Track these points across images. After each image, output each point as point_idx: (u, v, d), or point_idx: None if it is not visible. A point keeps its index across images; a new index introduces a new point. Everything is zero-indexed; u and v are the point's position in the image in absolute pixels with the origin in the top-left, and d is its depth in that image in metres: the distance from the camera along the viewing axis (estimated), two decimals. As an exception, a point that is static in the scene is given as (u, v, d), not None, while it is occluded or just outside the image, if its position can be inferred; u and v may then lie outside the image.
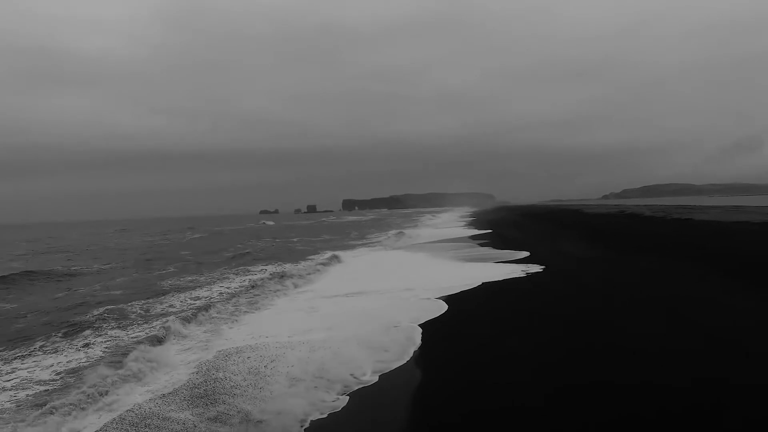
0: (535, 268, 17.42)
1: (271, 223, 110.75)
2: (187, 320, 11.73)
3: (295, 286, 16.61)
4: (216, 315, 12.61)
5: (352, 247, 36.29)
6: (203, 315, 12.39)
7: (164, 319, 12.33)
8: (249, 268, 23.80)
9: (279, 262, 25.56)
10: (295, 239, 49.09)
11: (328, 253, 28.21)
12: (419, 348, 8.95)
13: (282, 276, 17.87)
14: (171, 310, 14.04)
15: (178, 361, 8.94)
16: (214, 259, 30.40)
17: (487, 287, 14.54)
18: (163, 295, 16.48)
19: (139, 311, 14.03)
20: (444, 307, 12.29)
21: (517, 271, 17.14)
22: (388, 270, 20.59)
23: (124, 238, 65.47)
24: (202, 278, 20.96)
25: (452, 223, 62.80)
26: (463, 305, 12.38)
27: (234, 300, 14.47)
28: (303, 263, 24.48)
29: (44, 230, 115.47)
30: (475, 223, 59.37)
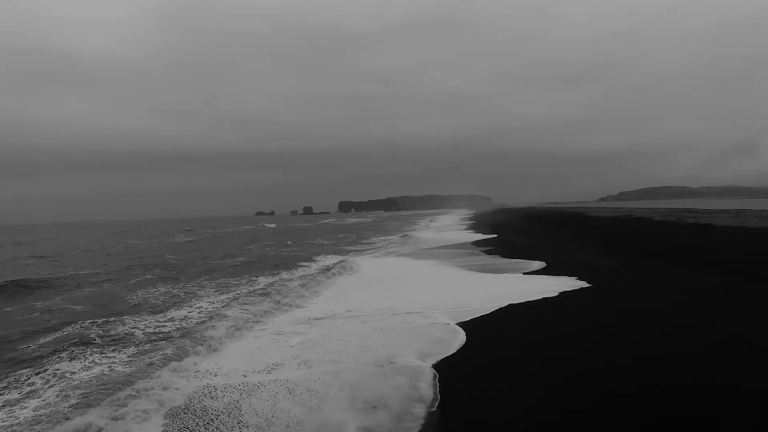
0: (564, 284, 15.08)
1: (272, 225, 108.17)
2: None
3: (284, 304, 14.22)
4: (166, 352, 10.20)
5: (355, 251, 33.98)
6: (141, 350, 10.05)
7: (108, 357, 9.98)
8: (232, 280, 21.44)
9: (274, 271, 23.16)
10: (294, 242, 46.69)
11: (330, 260, 25.95)
12: (429, 405, 6.52)
13: (266, 293, 15.52)
14: (125, 339, 11.67)
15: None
16: (204, 266, 27.98)
17: (513, 310, 12.16)
18: (127, 315, 14.10)
19: (94, 336, 11.69)
20: (461, 336, 10.01)
21: (544, 287, 14.75)
22: (393, 281, 18.26)
23: (116, 240, 63.06)
24: (177, 289, 18.65)
25: (454, 227, 60.49)
26: (487, 336, 10.04)
27: (202, 330, 12.06)
28: (299, 272, 22.13)
29: (40, 232, 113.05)
30: (477, 226, 57.11)
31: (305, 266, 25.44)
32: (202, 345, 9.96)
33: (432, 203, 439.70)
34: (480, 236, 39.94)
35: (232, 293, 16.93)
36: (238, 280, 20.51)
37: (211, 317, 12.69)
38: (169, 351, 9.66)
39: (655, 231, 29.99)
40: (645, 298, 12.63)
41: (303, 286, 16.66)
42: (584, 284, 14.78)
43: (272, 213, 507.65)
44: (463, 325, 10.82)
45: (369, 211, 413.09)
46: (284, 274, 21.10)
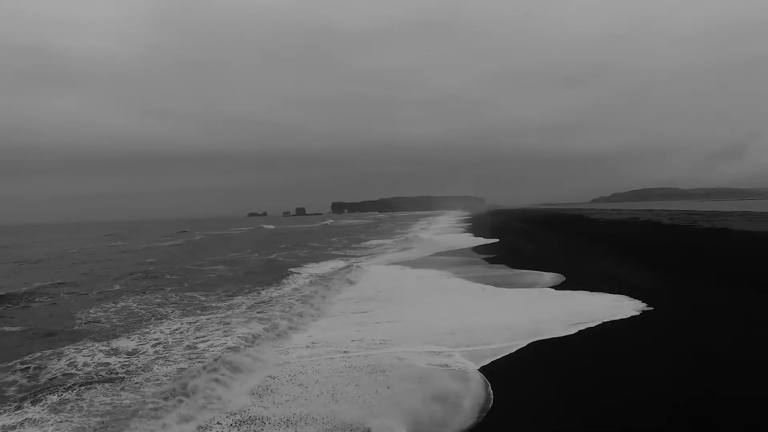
0: (600, 304, 12.57)
1: (271, 226, 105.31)
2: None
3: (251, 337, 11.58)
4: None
5: (353, 257, 31.47)
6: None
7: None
8: (208, 296, 18.86)
9: (256, 287, 20.52)
10: (289, 245, 44.07)
11: (325, 267, 23.35)
12: None
13: (226, 323, 12.87)
14: (57, 381, 9.08)
15: None
16: (183, 275, 25.29)
17: (548, 346, 9.39)
18: (67, 342, 11.49)
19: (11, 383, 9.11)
20: (476, 390, 7.41)
21: (579, 309, 12.08)
22: (389, 298, 15.72)
23: (104, 243, 60.19)
24: (140, 305, 16.05)
25: (452, 229, 58.00)
26: (516, 393, 7.39)
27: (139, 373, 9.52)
28: (287, 287, 19.49)
29: (29, 233, 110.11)
30: (476, 229, 54.77)
31: (296, 274, 22.89)
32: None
33: (425, 204, 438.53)
34: (481, 240, 37.55)
35: (202, 315, 14.31)
36: (210, 296, 17.88)
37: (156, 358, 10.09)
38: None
39: (673, 237, 27.70)
40: (737, 338, 9.33)
41: (285, 311, 13.95)
42: (633, 310, 11.86)
43: (264, 214, 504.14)
44: (484, 369, 8.33)
45: (362, 212, 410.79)
46: (266, 292, 18.25)
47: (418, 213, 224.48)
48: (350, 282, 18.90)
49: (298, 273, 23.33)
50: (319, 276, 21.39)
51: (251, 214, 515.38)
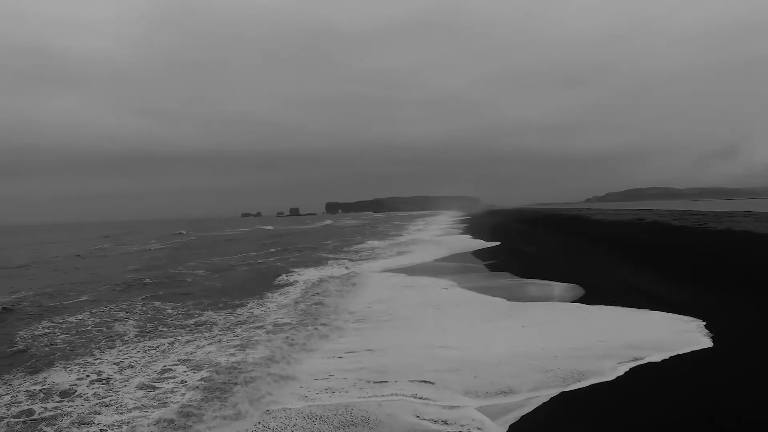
0: (654, 332, 9.84)
1: (269, 227, 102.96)
2: None
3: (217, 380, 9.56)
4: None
5: (350, 261, 29.41)
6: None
7: None
8: (175, 311, 16.78)
9: (236, 300, 18.48)
10: (281, 249, 41.96)
11: (316, 273, 21.29)
12: None
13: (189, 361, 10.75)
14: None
15: None
16: (155, 285, 23.19)
17: (591, 401, 6.99)
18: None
19: None
20: None
21: (628, 339, 9.30)
22: (384, 314, 13.74)
23: (95, 245, 57.82)
24: (93, 320, 13.98)
25: (449, 231, 55.93)
26: None
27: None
28: (272, 302, 17.44)
29: (23, 235, 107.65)
30: (474, 230, 52.87)
31: (283, 287, 20.81)
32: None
33: (421, 204, 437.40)
34: (480, 243, 35.63)
35: (165, 338, 12.23)
36: (183, 310, 15.80)
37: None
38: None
39: (690, 240, 25.84)
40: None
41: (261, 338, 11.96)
42: (701, 335, 9.42)
43: (258, 214, 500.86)
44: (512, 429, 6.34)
45: (356, 212, 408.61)
46: (245, 309, 15.87)
47: (414, 213, 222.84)
48: (341, 295, 16.90)
49: (286, 283, 21.22)
50: (307, 289, 19.33)
51: (245, 215, 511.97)
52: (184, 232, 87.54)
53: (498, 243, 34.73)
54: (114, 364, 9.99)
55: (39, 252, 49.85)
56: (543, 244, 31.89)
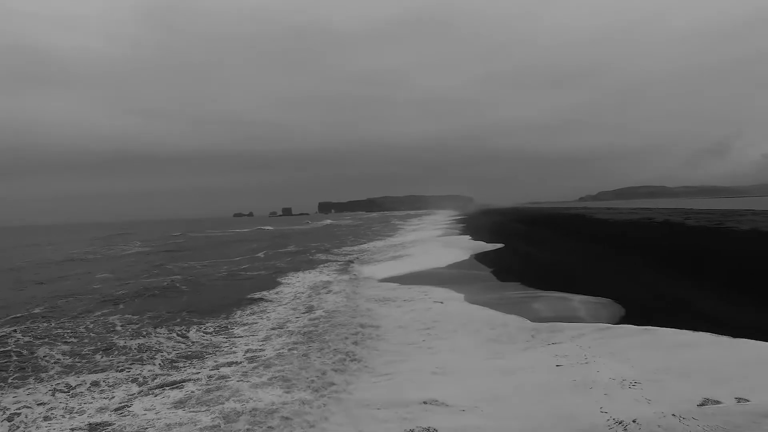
0: None
1: (270, 227, 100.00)
2: None
3: None
4: None
5: (336, 261, 26.79)
6: None
7: None
8: (118, 336, 14.10)
9: (199, 322, 15.88)
10: (270, 254, 39.23)
11: (307, 280, 18.63)
12: None
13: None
14: None
15: None
16: (115, 305, 20.49)
17: None
18: None
19: None
20: None
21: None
22: (374, 356, 11.18)
23: (81, 248, 54.75)
24: (15, 344, 11.34)
25: (447, 231, 53.30)
26: None
27: None
28: (239, 326, 14.88)
29: (6, 237, 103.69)
30: (472, 231, 50.35)
31: (258, 303, 18.19)
32: None
33: (413, 204, 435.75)
34: (482, 245, 33.11)
35: (95, 374, 9.57)
36: (127, 332, 13.15)
37: None
38: None
39: (720, 243, 23.41)
40: None
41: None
42: None
43: (251, 214, 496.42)
44: None
45: (349, 211, 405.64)
46: (205, 337, 12.60)
47: (409, 213, 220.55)
48: (332, 308, 14.29)
49: (261, 301, 18.46)
50: (284, 312, 16.76)
51: (237, 215, 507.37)
52: (180, 233, 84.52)
53: (501, 245, 32.25)
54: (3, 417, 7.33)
55: (8, 256, 46.84)
56: (552, 247, 29.43)
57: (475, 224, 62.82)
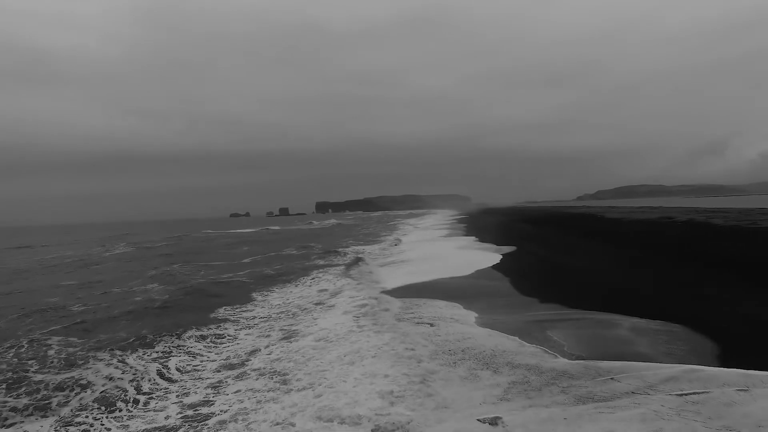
0: None
1: (276, 227, 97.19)
2: None
3: None
4: None
5: (329, 267, 23.63)
6: None
7: None
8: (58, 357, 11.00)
9: (144, 348, 12.77)
10: (255, 261, 36.13)
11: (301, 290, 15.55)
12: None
13: None
14: None
15: None
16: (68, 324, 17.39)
17: None
18: None
19: None
20: None
21: None
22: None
23: (70, 252, 51.59)
24: None
25: (449, 232, 50.08)
26: None
27: None
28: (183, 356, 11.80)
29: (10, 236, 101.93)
30: (475, 231, 47.34)
31: (225, 323, 15.18)
32: None
33: (410, 203, 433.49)
34: (492, 249, 29.99)
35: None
36: (59, 357, 10.07)
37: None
38: None
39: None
40: None
41: None
42: None
43: (247, 214, 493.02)
44: None
45: (347, 211, 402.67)
46: (141, 368, 9.97)
47: (406, 212, 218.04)
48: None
49: (228, 320, 15.47)
50: (255, 340, 13.70)
51: (234, 215, 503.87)
52: (180, 234, 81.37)
53: (514, 248, 29.20)
54: None
55: (19, 257, 43.86)
56: (571, 250, 26.30)
57: (479, 224, 59.88)
